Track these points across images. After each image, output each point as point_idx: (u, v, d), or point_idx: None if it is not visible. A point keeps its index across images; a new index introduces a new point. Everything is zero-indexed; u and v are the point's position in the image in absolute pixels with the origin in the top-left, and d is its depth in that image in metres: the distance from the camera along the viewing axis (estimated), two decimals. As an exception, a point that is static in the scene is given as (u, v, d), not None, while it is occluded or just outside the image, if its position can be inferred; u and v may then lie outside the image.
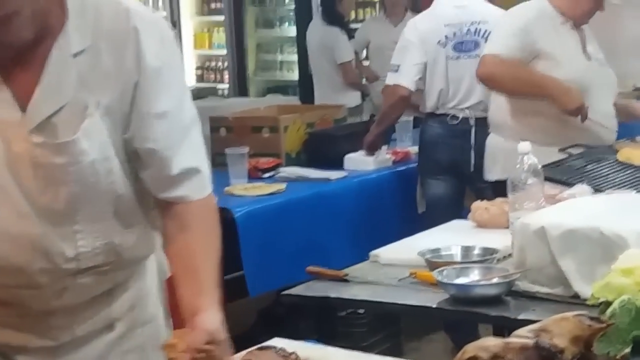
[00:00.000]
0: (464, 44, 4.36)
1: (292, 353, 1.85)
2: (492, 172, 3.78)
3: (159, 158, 1.84)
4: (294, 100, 6.71)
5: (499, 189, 3.15)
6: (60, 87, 1.76)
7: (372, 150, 4.47)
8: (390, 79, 4.39)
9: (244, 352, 1.92)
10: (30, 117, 1.75)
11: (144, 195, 1.91)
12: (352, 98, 6.34)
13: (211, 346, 1.74)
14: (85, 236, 1.83)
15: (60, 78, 1.76)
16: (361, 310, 3.81)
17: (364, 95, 6.46)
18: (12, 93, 1.75)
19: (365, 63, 6.85)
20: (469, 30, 4.35)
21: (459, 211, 3.76)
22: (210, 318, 1.80)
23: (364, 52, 6.86)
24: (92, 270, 1.86)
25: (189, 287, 1.84)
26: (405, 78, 4.33)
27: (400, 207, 4.40)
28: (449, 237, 2.81)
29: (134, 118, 1.81)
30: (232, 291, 3.89)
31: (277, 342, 1.99)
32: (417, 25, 4.41)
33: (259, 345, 1.94)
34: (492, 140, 3.84)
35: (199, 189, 1.90)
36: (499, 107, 3.77)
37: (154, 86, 1.82)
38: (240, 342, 2.03)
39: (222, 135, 4.63)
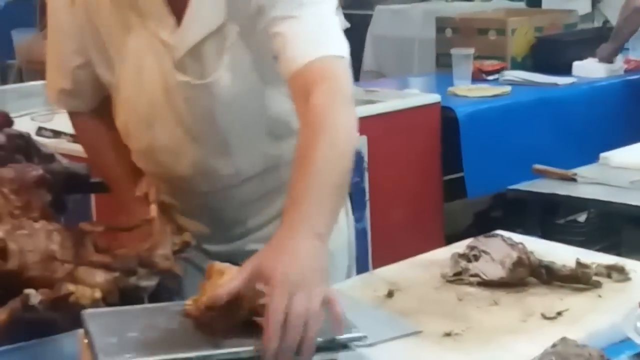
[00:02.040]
0: None
1: (519, 243, 1.85)
2: None
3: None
4: (520, 5, 6.54)
5: None
6: (206, 14, 1.71)
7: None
8: None
9: (470, 239, 1.94)
10: (176, 47, 1.73)
11: None
12: (582, 5, 6.10)
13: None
14: (241, 155, 1.83)
15: (206, 4, 1.71)
16: (581, 219, 3.73)
17: (595, 3, 6.20)
18: (175, 20, 1.73)
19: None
20: None
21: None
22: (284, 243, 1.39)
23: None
24: (253, 178, 1.87)
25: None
26: None
27: (630, 116, 4.25)
28: (685, 144, 2.71)
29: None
30: (450, 191, 3.93)
31: (501, 233, 1.99)
32: None
33: (485, 234, 1.94)
34: None
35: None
36: None
37: None
38: (455, 241, 2.05)
39: (447, 36, 4.59)
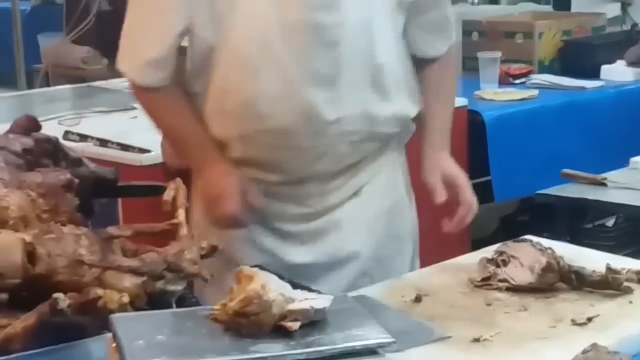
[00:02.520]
0: None
1: (549, 248, 1.83)
2: None
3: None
4: (547, 9, 6.50)
5: None
6: None
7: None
8: None
9: (498, 244, 1.92)
10: None
11: (407, 70, 2.01)
12: (611, 8, 6.06)
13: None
14: (345, 101, 1.92)
15: None
16: (609, 224, 3.70)
17: (625, 6, 6.16)
18: None
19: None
20: None
21: None
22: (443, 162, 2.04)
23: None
24: (348, 138, 1.96)
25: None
26: None
27: (660, 120, 4.22)
28: None
29: None
30: (477, 195, 3.89)
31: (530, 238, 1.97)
32: None
33: (514, 239, 1.93)
34: None
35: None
36: None
37: None
38: (481, 246, 2.05)
39: (474, 40, 4.57)
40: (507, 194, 3.85)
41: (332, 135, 1.94)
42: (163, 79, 1.94)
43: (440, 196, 1.98)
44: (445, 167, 2.03)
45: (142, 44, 1.93)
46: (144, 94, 1.99)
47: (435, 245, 3.47)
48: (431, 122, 2.09)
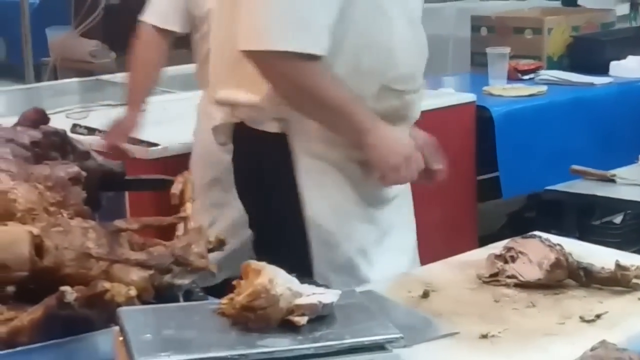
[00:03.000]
0: None
1: (558, 244, 1.83)
2: None
3: None
4: (556, 4, 6.49)
5: None
6: None
7: None
8: None
9: (506, 240, 1.92)
10: None
11: None
12: (621, 7, 6.04)
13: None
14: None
15: None
16: (617, 221, 3.69)
17: (635, 5, 6.14)
18: None
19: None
20: None
21: None
22: None
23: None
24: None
25: None
26: None
27: (669, 117, 4.20)
28: None
29: None
30: (484, 191, 3.90)
31: (539, 234, 1.96)
32: None
33: (522, 235, 1.92)
34: None
35: None
36: None
37: None
38: (488, 242, 2.05)
39: (483, 35, 4.56)
40: (515, 190, 3.84)
41: (422, 75, 2.06)
42: (326, 47, 1.84)
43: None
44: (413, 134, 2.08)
45: (315, 10, 1.82)
46: (304, 65, 1.84)
47: (442, 241, 3.48)
48: None
